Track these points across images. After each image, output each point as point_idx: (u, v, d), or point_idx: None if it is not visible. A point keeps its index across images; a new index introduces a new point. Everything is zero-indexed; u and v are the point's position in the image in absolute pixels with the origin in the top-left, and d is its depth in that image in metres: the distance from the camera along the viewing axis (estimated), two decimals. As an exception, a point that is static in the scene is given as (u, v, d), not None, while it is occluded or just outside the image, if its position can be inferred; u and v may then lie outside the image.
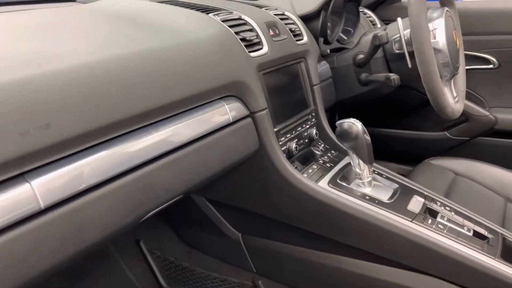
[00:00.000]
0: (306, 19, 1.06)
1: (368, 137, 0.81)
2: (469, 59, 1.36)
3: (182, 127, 0.63)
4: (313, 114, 0.98)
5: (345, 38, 1.29)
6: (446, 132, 1.44)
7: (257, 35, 0.82)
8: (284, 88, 0.90)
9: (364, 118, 1.51)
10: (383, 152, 1.54)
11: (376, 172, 0.91)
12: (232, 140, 0.73)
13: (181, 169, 0.62)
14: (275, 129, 0.83)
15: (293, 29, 0.96)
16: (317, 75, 1.01)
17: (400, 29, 0.99)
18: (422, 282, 0.77)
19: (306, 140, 0.95)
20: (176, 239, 1.10)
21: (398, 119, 1.49)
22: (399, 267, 0.78)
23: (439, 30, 0.97)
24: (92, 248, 0.51)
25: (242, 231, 0.97)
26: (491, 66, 1.37)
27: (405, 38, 0.99)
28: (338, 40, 1.26)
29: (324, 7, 1.09)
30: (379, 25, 1.41)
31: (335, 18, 1.21)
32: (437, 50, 0.96)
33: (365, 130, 0.81)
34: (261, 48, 0.82)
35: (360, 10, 1.33)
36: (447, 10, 1.02)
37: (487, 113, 1.38)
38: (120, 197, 0.53)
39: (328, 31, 1.15)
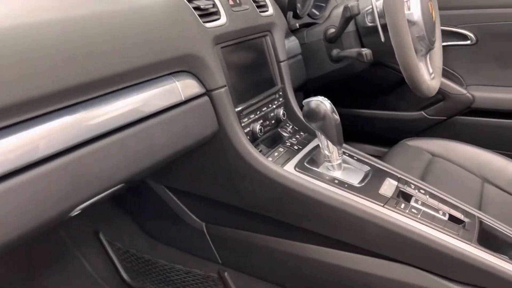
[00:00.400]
0: (273, -10, 0.98)
1: (337, 117, 0.75)
2: (446, 34, 1.30)
3: (121, 105, 0.55)
4: (280, 93, 0.91)
5: (317, 13, 1.22)
6: (422, 112, 1.39)
7: (214, 4, 0.74)
8: (247, 64, 0.82)
9: (337, 97, 1.45)
10: (357, 133, 1.49)
11: (347, 154, 0.84)
12: (185, 121, 0.66)
13: (120, 154, 0.54)
14: (236, 109, 0.76)
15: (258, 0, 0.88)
16: (285, 51, 0.93)
17: (373, 1, 0.92)
18: (395, 271, 0.71)
19: (273, 121, 0.88)
20: (138, 230, 1.02)
21: (373, 98, 1.43)
22: (371, 255, 0.73)
23: (413, 1, 0.90)
24: (6, 248, 0.43)
25: (206, 220, 0.90)
26: (468, 42, 1.31)
27: (378, 10, 0.92)
28: (309, 15, 1.18)
29: (293, -23, 1.01)
30: None
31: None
32: (411, 23, 0.90)
33: (334, 109, 0.75)
34: (218, 19, 0.74)
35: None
36: (422, -19, 0.96)
37: (465, 91, 1.33)
38: (42, 188, 0.45)
39: (298, 5, 1.07)
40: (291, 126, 0.92)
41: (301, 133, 0.91)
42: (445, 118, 1.37)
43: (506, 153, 1.24)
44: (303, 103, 0.76)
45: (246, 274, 0.90)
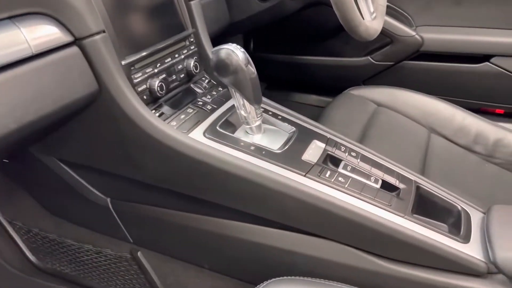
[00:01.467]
0: None
1: (253, 69, 0.60)
2: (394, -32, 1.15)
3: None
4: (192, 39, 0.75)
5: None
6: (368, 57, 1.27)
7: None
8: (141, 3, 0.65)
9: (276, 43, 1.30)
10: (300, 82, 1.36)
11: (270, 113, 0.71)
12: (40, 81, 0.50)
13: None
14: (123, 62, 0.60)
15: None
16: (196, -13, 0.76)
17: None
18: (321, 248, 0.62)
19: (182, 76, 0.73)
20: (39, 208, 0.88)
21: (315, 44, 1.29)
22: (296, 231, 0.63)
23: None
24: None
25: (111, 195, 0.76)
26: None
27: None
28: None
29: None
30: None
31: None
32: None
33: (249, 59, 0.60)
34: None
35: None
36: None
37: (413, 33, 1.21)
38: None
39: None
40: (207, 81, 0.77)
41: (219, 88, 0.76)
42: (392, 63, 1.26)
43: (455, 99, 1.15)
44: (211, 51, 0.62)
45: (160, 253, 0.78)
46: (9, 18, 0.47)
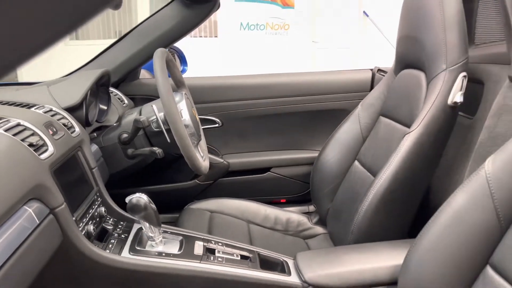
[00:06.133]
0: (71, 109, 1.17)
1: (154, 206, 1.01)
2: (203, 121, 1.74)
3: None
4: (98, 194, 1.10)
5: (102, 117, 1.45)
6: (196, 180, 1.79)
7: (40, 138, 0.90)
8: (72, 179, 0.99)
9: (133, 181, 1.68)
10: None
11: (162, 231, 1.11)
12: (38, 244, 0.79)
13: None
14: (73, 218, 0.92)
15: (65, 123, 1.06)
16: (93, 159, 1.14)
17: (156, 112, 1.25)
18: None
19: (98, 219, 1.06)
20: None
21: (158, 176, 1.74)
22: None
23: (184, 111, 1.27)
24: None
25: None
26: (217, 125, 1.80)
27: (161, 120, 1.25)
28: (96, 120, 1.40)
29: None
30: (125, 101, 1.63)
31: (92, 100, 1.35)
32: (186, 126, 1.26)
33: (150, 200, 1.01)
34: (47, 149, 0.90)
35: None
36: (184, 93, 1.35)
37: (222, 160, 1.80)
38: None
39: (88, 115, 1.29)
40: (111, 219, 1.12)
41: (122, 222, 1.12)
42: (212, 181, 1.80)
43: (257, 198, 1.75)
44: (126, 200, 1.00)
45: None
46: (23, 205, 0.77)
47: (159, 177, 1.73)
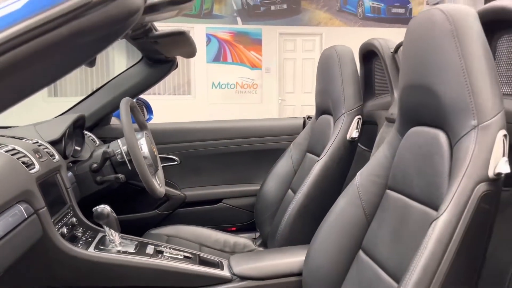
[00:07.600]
0: (53, 143, 1.49)
1: (115, 215, 1.31)
2: (164, 159, 2.07)
3: None
4: (71, 207, 1.39)
5: (77, 153, 1.76)
6: (156, 210, 2.08)
7: (30, 159, 1.21)
8: (51, 192, 1.29)
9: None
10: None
11: (122, 237, 1.40)
12: (24, 233, 1.07)
13: None
14: (52, 220, 1.21)
15: (48, 152, 1.37)
16: (69, 181, 1.44)
17: (120, 146, 1.57)
18: None
19: (70, 226, 1.34)
20: None
21: (124, 206, 2.02)
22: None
23: (143, 146, 1.60)
24: None
25: None
26: (176, 162, 2.13)
27: (124, 152, 1.57)
28: (72, 155, 1.71)
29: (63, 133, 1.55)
30: (97, 142, 1.95)
31: (69, 140, 1.67)
32: (144, 157, 1.58)
33: (112, 210, 1.31)
34: (34, 167, 1.20)
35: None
36: (145, 132, 1.68)
37: (179, 193, 2.11)
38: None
39: (66, 150, 1.60)
40: (81, 228, 1.40)
41: (89, 231, 1.40)
42: (171, 211, 2.10)
43: (212, 226, 2.03)
44: (93, 210, 1.29)
45: None
46: (16, 203, 1.06)
47: (125, 207, 2.01)
